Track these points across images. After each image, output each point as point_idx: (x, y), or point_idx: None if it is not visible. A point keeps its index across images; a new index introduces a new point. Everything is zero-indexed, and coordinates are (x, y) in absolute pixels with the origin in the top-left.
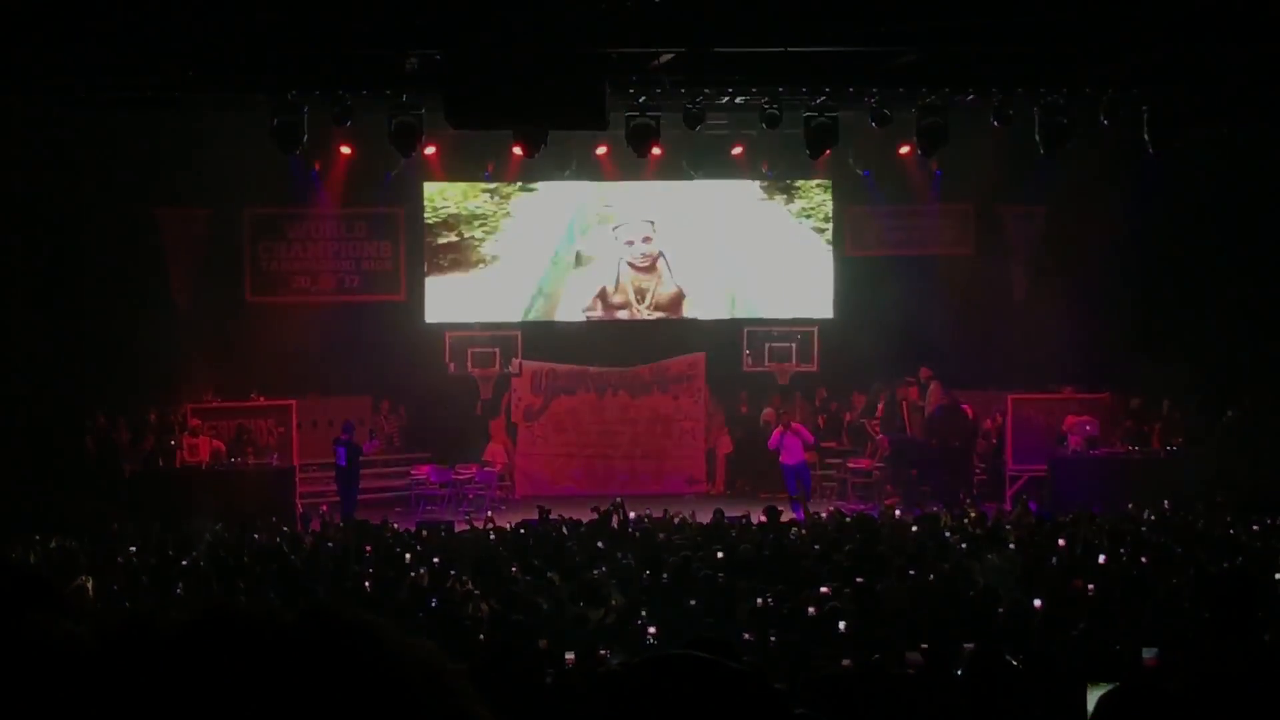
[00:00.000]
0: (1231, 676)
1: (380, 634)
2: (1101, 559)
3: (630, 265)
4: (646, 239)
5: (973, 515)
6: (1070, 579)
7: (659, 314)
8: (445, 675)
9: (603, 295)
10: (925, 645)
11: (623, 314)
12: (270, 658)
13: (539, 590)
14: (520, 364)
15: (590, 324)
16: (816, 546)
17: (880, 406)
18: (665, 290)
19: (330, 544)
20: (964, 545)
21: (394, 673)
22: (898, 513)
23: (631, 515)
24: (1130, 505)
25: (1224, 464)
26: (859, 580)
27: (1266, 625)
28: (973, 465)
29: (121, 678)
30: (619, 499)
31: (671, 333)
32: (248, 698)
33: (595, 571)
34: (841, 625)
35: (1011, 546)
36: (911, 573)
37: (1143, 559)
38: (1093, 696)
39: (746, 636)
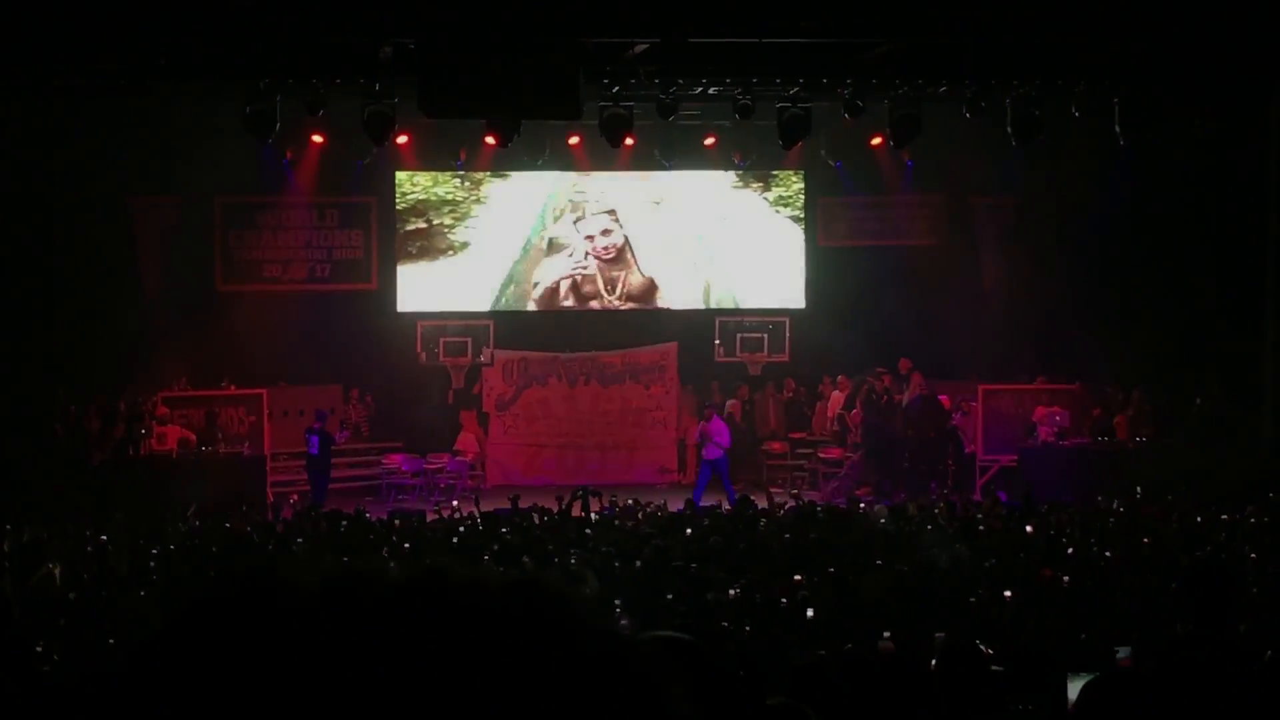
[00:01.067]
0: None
1: (582, 610)
2: (1069, 550)
3: (595, 257)
4: (606, 231)
5: (942, 506)
6: (1040, 569)
7: (631, 304)
8: (648, 658)
9: (575, 286)
10: (897, 634)
11: (594, 304)
12: (482, 623)
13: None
14: (493, 354)
15: (562, 313)
16: (787, 536)
17: (859, 398)
18: (635, 280)
19: (300, 537)
20: (934, 535)
21: (598, 648)
22: (866, 504)
23: (596, 505)
24: (1100, 496)
25: (1192, 454)
26: (831, 570)
27: (1240, 615)
28: (947, 456)
29: (343, 631)
30: (580, 489)
31: (643, 323)
32: (459, 662)
33: (571, 558)
34: (810, 613)
35: (983, 534)
36: (879, 563)
37: (1108, 552)
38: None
39: (725, 624)
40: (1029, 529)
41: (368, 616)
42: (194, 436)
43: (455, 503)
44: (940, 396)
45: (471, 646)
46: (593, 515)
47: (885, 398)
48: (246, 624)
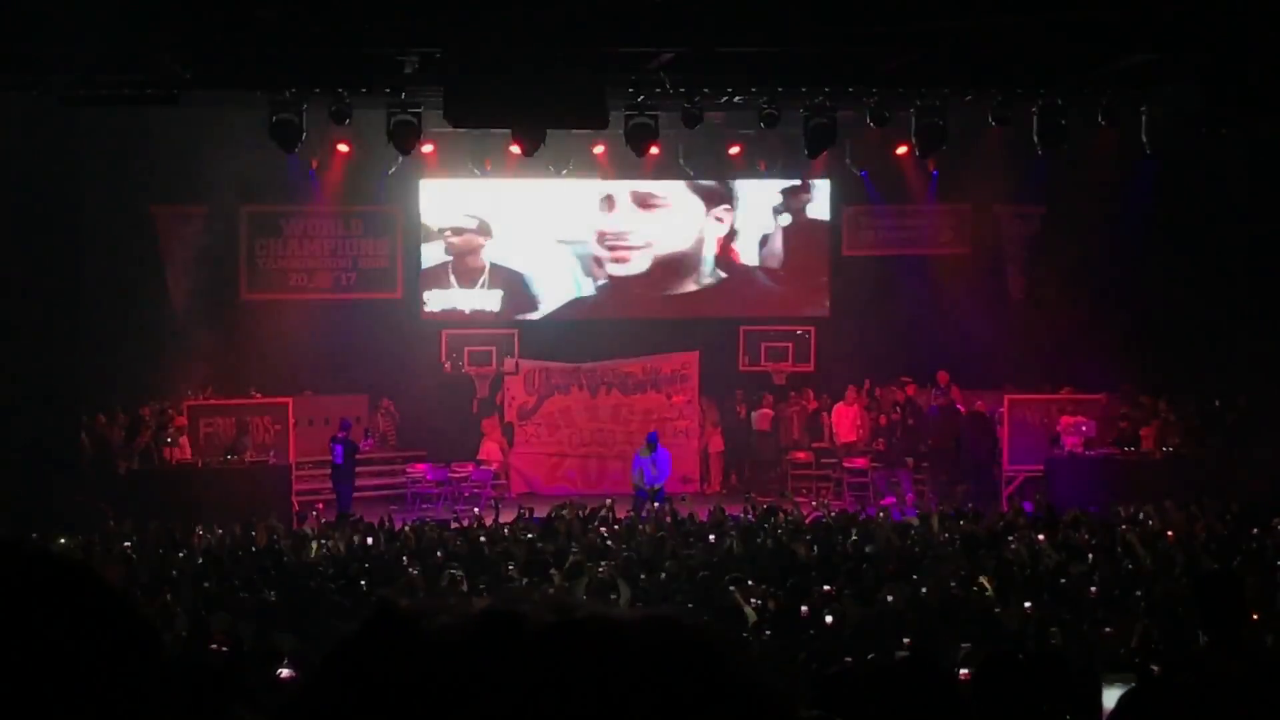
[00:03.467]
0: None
1: (725, 651)
2: (1090, 558)
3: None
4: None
5: (969, 516)
6: (1064, 580)
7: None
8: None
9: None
10: (918, 644)
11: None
12: (624, 667)
13: (538, 589)
14: (517, 363)
15: (587, 322)
16: (815, 548)
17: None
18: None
19: (327, 542)
20: (961, 546)
21: (737, 694)
22: (897, 513)
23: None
24: (1130, 507)
25: (1220, 464)
26: (857, 580)
27: (1266, 628)
28: (984, 467)
29: (486, 673)
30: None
31: (668, 331)
32: (602, 704)
33: (600, 568)
34: (829, 619)
35: (1012, 546)
36: (914, 577)
37: (1132, 563)
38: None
39: (745, 636)
40: (1041, 538)
41: (520, 663)
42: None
43: (477, 510)
44: (979, 405)
45: (623, 691)
46: (615, 527)
47: (906, 408)
48: (402, 669)
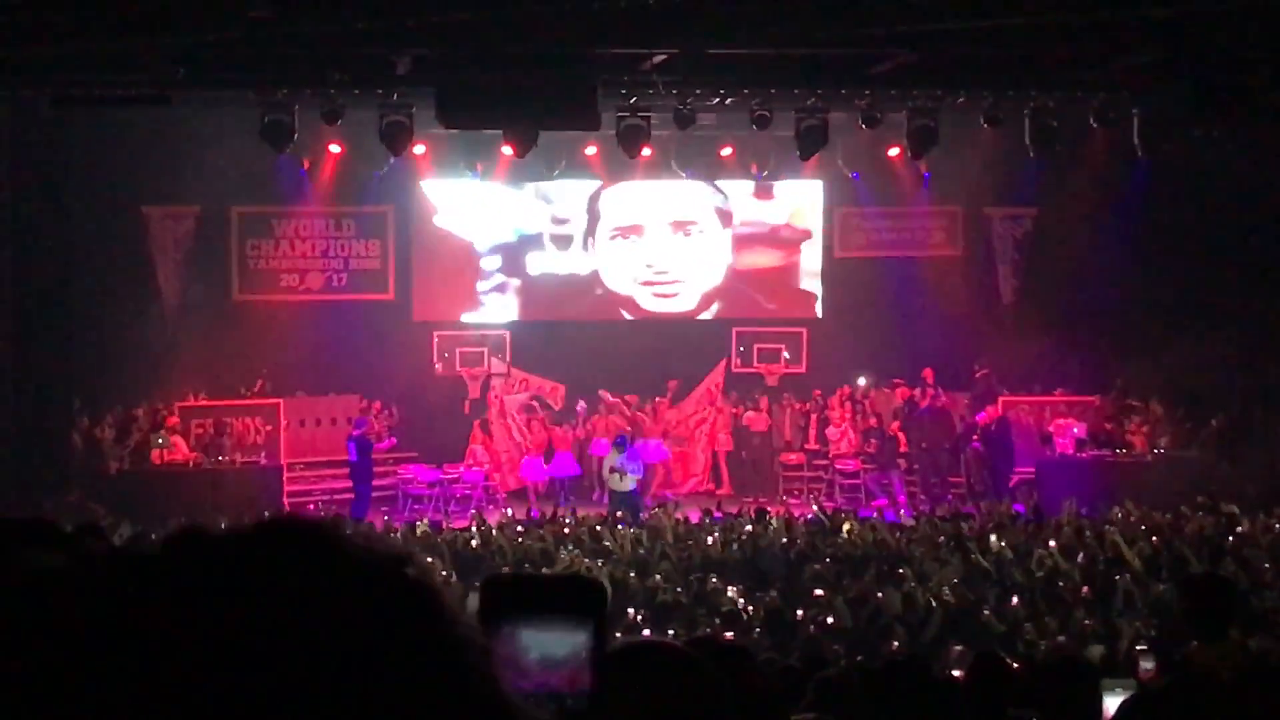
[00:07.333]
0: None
1: (337, 536)
2: (1081, 558)
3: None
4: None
5: (959, 517)
6: (1055, 581)
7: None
8: (414, 573)
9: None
10: (913, 646)
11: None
12: (237, 565)
13: None
14: (534, 402)
15: (579, 324)
16: (808, 549)
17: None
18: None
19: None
20: (952, 547)
21: (357, 571)
22: (890, 514)
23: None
24: (1116, 509)
25: (1211, 465)
26: (849, 581)
27: (1251, 630)
28: (968, 467)
29: (109, 593)
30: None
31: (659, 331)
32: (219, 604)
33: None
34: (822, 620)
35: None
36: (901, 572)
37: (1122, 564)
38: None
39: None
40: (1051, 544)
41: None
42: (199, 454)
43: (472, 511)
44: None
45: (218, 588)
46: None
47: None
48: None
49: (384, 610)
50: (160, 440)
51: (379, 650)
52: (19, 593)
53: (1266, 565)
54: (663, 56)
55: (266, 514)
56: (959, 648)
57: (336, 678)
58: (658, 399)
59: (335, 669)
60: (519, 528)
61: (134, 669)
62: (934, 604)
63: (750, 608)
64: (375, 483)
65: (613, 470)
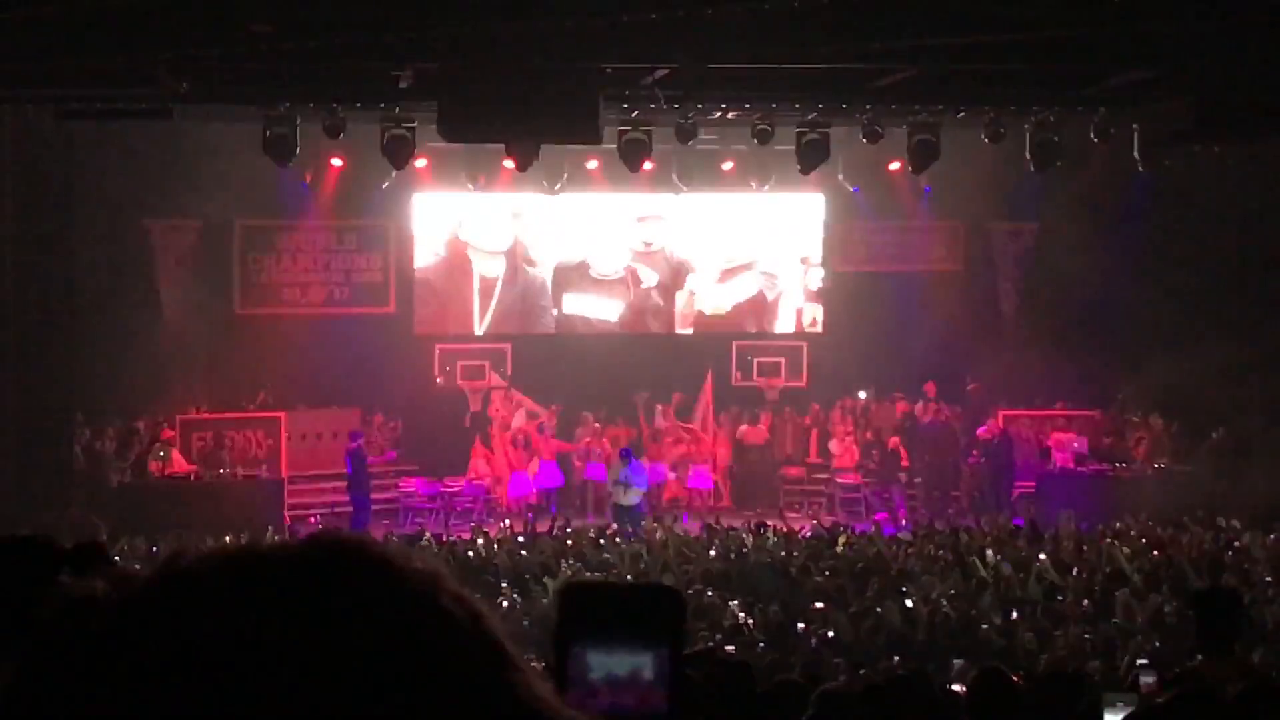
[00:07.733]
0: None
1: (384, 553)
2: (1075, 571)
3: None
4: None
5: (958, 530)
6: (1055, 595)
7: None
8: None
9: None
10: (915, 660)
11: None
12: (285, 585)
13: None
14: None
15: (580, 337)
16: (797, 561)
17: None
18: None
19: None
20: (951, 561)
21: (401, 592)
22: (889, 529)
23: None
24: (1116, 523)
25: (1211, 480)
26: (850, 595)
27: (1253, 644)
28: (968, 481)
29: (160, 618)
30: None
31: (659, 345)
32: (269, 623)
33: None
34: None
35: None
36: (904, 589)
37: (1121, 579)
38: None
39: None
40: (1042, 557)
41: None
42: (197, 468)
43: (473, 524)
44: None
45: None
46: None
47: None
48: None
49: (435, 633)
50: (162, 454)
51: (431, 672)
52: (64, 620)
53: (1268, 579)
54: (664, 71)
55: (312, 533)
56: (959, 662)
57: (407, 700)
58: (661, 406)
59: (405, 693)
60: (519, 538)
61: (201, 697)
62: (934, 617)
63: (750, 621)
64: (376, 496)
65: (617, 483)
